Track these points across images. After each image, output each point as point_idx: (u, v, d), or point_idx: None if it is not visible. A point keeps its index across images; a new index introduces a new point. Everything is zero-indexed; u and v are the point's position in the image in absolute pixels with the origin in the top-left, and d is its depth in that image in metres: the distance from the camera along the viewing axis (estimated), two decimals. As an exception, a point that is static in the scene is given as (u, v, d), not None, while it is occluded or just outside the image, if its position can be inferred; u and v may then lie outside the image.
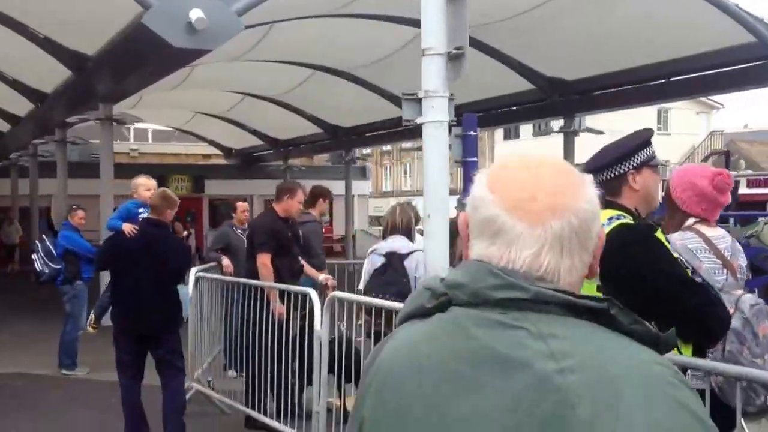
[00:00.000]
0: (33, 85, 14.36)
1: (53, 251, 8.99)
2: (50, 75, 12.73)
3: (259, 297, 6.54)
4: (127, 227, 6.36)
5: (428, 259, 3.55)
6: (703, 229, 3.59)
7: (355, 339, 6.08)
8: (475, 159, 8.30)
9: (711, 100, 38.13)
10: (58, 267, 8.96)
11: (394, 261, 6.04)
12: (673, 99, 18.43)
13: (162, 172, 30.66)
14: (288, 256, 6.82)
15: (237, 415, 6.97)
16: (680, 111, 38.88)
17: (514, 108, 15.86)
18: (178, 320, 6.29)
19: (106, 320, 7.25)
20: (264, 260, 6.64)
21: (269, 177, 25.07)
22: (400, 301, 5.65)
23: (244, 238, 8.74)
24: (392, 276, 6.00)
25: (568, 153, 14.24)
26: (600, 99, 14.41)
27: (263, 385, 6.43)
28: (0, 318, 12.98)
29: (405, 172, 53.23)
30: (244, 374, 6.90)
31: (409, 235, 6.30)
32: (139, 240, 6.11)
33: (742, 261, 3.61)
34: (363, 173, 30.10)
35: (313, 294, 5.87)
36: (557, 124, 14.95)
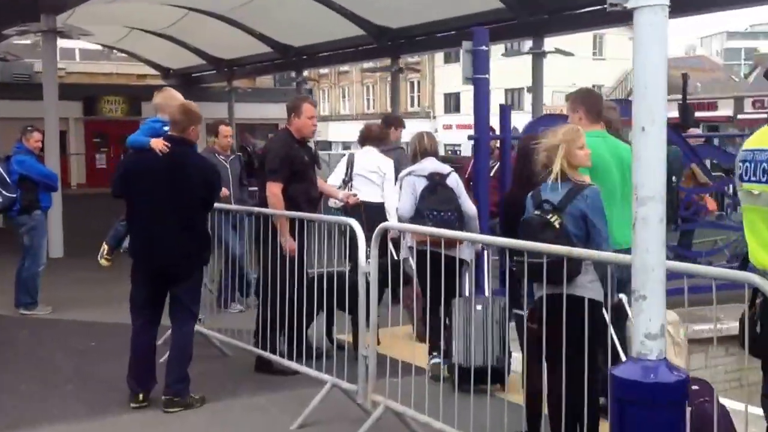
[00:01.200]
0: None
1: (6, 178, 8.11)
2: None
3: (271, 228, 5.90)
4: (157, 143, 5.36)
5: (642, 171, 2.83)
6: None
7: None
8: (487, 76, 7.66)
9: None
10: (13, 195, 8.09)
11: (442, 180, 6.22)
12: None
13: (92, 93, 29.30)
14: (304, 182, 6.14)
15: (243, 357, 6.37)
16: (614, 36, 38.79)
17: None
18: (203, 256, 5.61)
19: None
20: (275, 189, 5.97)
21: (211, 99, 23.88)
22: (456, 220, 6.01)
23: (227, 165, 8.39)
24: (445, 194, 6.17)
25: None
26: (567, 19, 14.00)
27: (277, 324, 5.87)
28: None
29: (343, 96, 52.19)
30: (256, 312, 6.32)
31: (437, 158, 6.52)
32: (162, 160, 5.31)
33: None
34: (310, 95, 29.14)
35: (355, 225, 5.19)
36: (527, 45, 14.45)
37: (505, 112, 8.19)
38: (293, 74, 22.52)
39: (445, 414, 4.55)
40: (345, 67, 44.73)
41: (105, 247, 6.34)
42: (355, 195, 7.29)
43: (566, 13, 13.78)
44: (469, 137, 8.36)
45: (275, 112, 28.19)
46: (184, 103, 5.64)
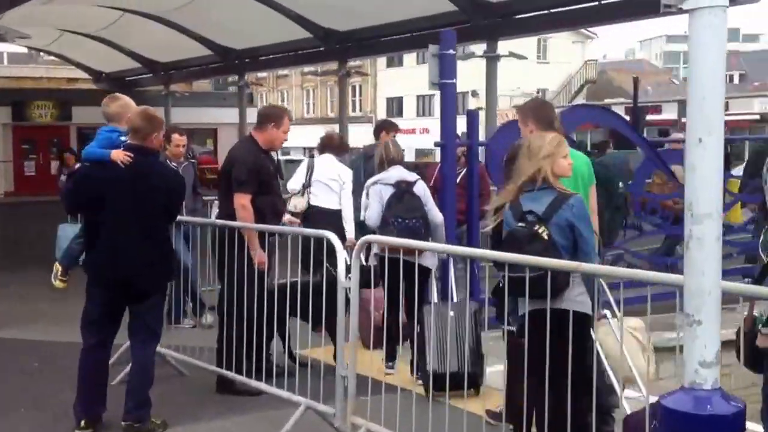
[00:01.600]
0: None
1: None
2: None
3: (237, 242, 5.68)
4: (118, 154, 5.05)
5: (697, 186, 2.56)
6: None
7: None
8: (454, 81, 7.47)
9: (588, 30, 38.68)
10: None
11: (409, 188, 6.37)
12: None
13: (20, 98, 28.18)
14: (270, 193, 5.97)
15: (202, 377, 6.05)
16: (558, 40, 39.24)
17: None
18: (168, 271, 5.31)
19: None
20: (243, 201, 5.75)
21: (147, 103, 22.91)
22: (422, 227, 6.19)
23: (180, 172, 8.01)
24: (412, 202, 6.31)
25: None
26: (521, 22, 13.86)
27: (240, 342, 5.65)
28: None
29: (282, 100, 51.57)
30: (218, 330, 6.04)
31: (404, 167, 6.67)
32: (123, 171, 5.02)
33: None
34: (251, 100, 28.52)
35: (334, 238, 5.03)
36: (480, 48, 14.21)
37: (472, 118, 7.94)
38: (235, 78, 21.88)
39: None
40: (284, 71, 44.15)
41: (58, 267, 5.92)
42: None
43: (520, 16, 13.60)
44: (436, 144, 8.22)
45: (213, 116, 27.68)
46: (145, 109, 5.30)
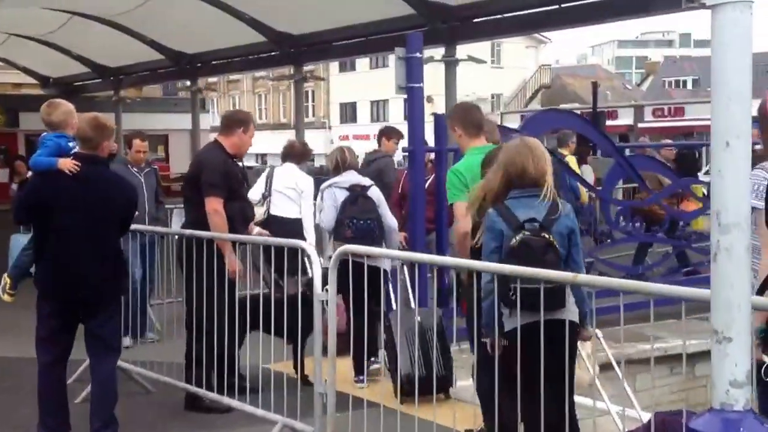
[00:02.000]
0: None
1: None
2: None
3: (207, 251, 5.53)
4: (66, 163, 4.90)
5: (725, 193, 2.45)
6: None
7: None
8: (421, 85, 7.34)
9: (541, 35, 38.94)
10: None
11: (363, 192, 6.54)
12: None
13: (-38, 104, 27.24)
14: (239, 200, 5.87)
15: (169, 393, 5.89)
16: (512, 44, 39.36)
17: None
18: (122, 284, 5.12)
19: None
20: (216, 205, 5.66)
21: (95, 109, 22.35)
22: (376, 228, 6.30)
23: (141, 178, 7.86)
24: (366, 204, 6.44)
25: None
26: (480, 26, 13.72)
27: (209, 357, 5.56)
28: None
29: (234, 105, 50.94)
30: (186, 345, 5.87)
31: (358, 172, 6.94)
32: (74, 181, 4.89)
33: None
34: (203, 105, 28.04)
35: (310, 249, 4.99)
36: (438, 52, 14.03)
37: (440, 122, 7.77)
38: (187, 83, 21.43)
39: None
40: (236, 76, 43.61)
41: (7, 280, 5.68)
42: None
43: (480, 19, 13.47)
44: (404, 149, 8.10)
45: (165, 122, 27.11)
46: (95, 117, 5.14)
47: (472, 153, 5.13)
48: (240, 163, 6.18)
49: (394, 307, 6.68)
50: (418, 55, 7.32)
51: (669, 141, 15.90)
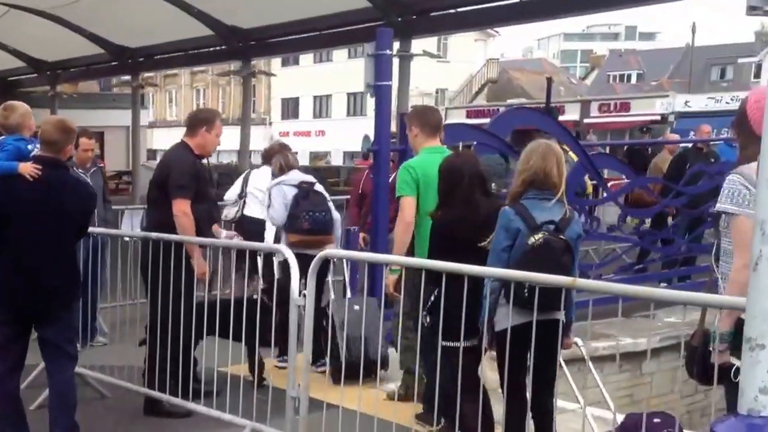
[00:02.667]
0: None
1: None
2: None
3: (174, 254, 5.43)
4: (26, 167, 4.72)
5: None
6: None
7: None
8: (390, 83, 7.18)
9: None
10: None
11: (311, 187, 6.81)
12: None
13: None
14: (206, 201, 5.80)
15: (126, 398, 5.82)
16: (459, 38, 39.23)
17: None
18: (76, 291, 4.93)
19: None
20: (184, 207, 5.55)
21: (31, 105, 21.66)
22: (330, 220, 6.61)
23: (88, 179, 7.33)
24: (318, 198, 6.74)
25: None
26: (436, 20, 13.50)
27: (174, 360, 5.47)
28: None
29: (170, 101, 49.94)
30: (148, 348, 5.75)
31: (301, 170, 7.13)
32: (32, 185, 4.71)
33: None
34: (142, 102, 27.25)
35: (289, 254, 4.90)
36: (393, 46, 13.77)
37: (404, 122, 7.51)
38: (128, 78, 20.76)
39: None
40: (174, 70, 42.72)
41: None
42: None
43: (435, 14, 13.24)
44: (369, 149, 7.99)
45: (102, 118, 26.28)
46: (61, 120, 5.02)
47: (426, 151, 5.37)
48: (205, 162, 6.04)
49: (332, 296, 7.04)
50: (387, 52, 7.14)
51: (676, 137, 16.17)
